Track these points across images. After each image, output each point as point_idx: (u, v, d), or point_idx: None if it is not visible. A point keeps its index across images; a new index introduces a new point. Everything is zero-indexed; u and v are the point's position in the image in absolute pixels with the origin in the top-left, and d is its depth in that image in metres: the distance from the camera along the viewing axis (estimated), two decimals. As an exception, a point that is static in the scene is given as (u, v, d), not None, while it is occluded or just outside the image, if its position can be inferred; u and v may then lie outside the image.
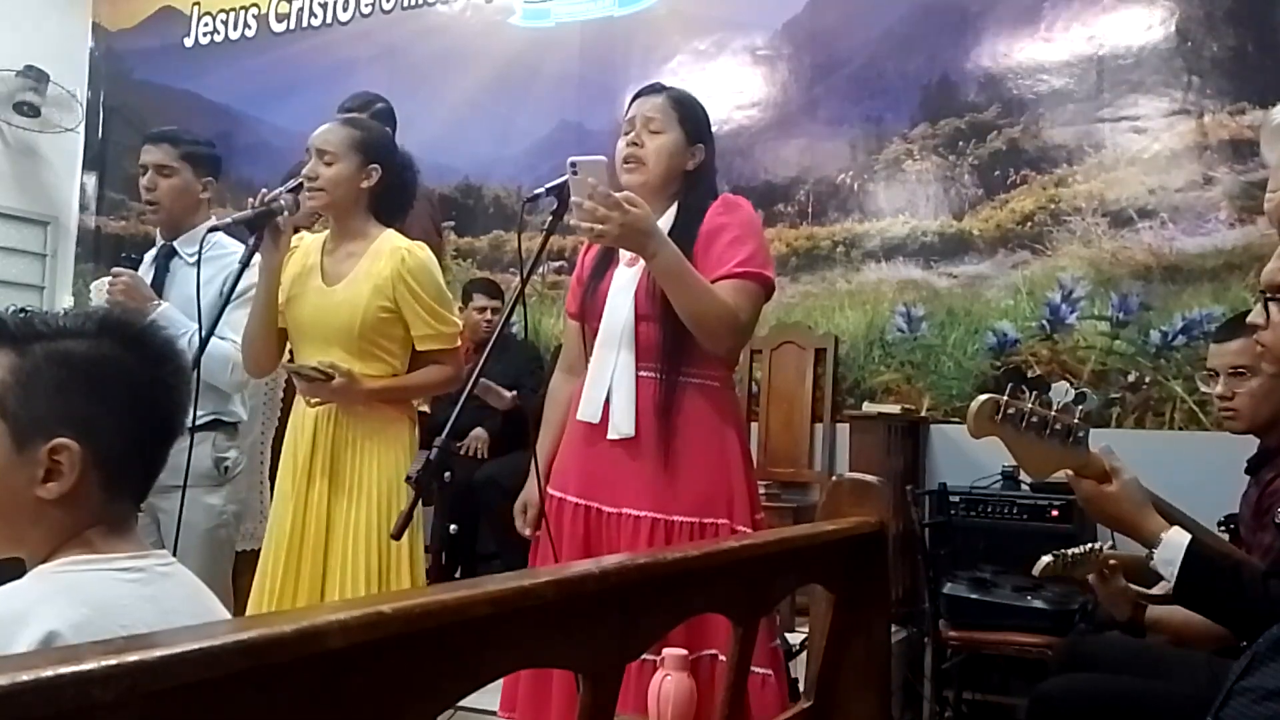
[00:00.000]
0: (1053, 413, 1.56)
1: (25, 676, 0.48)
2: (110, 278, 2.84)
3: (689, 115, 2.23)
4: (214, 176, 3.02)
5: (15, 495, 1.13)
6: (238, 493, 2.86)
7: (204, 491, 2.62)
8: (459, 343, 2.59)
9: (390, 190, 2.57)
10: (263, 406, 3.19)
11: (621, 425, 2.10)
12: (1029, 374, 4.03)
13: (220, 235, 2.87)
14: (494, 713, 2.17)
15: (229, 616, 1.27)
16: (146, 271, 2.95)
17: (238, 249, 2.85)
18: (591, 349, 2.21)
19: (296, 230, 2.64)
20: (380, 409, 2.49)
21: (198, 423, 2.54)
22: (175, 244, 2.94)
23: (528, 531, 2.23)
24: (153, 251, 3.01)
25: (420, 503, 1.93)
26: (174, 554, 1.31)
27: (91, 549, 1.15)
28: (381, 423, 2.48)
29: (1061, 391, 3.84)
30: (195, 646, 0.55)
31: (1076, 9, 4.10)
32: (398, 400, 2.54)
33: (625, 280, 2.17)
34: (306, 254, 2.58)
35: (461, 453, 4.12)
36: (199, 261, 2.51)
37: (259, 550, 3.12)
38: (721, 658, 1.97)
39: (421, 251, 2.54)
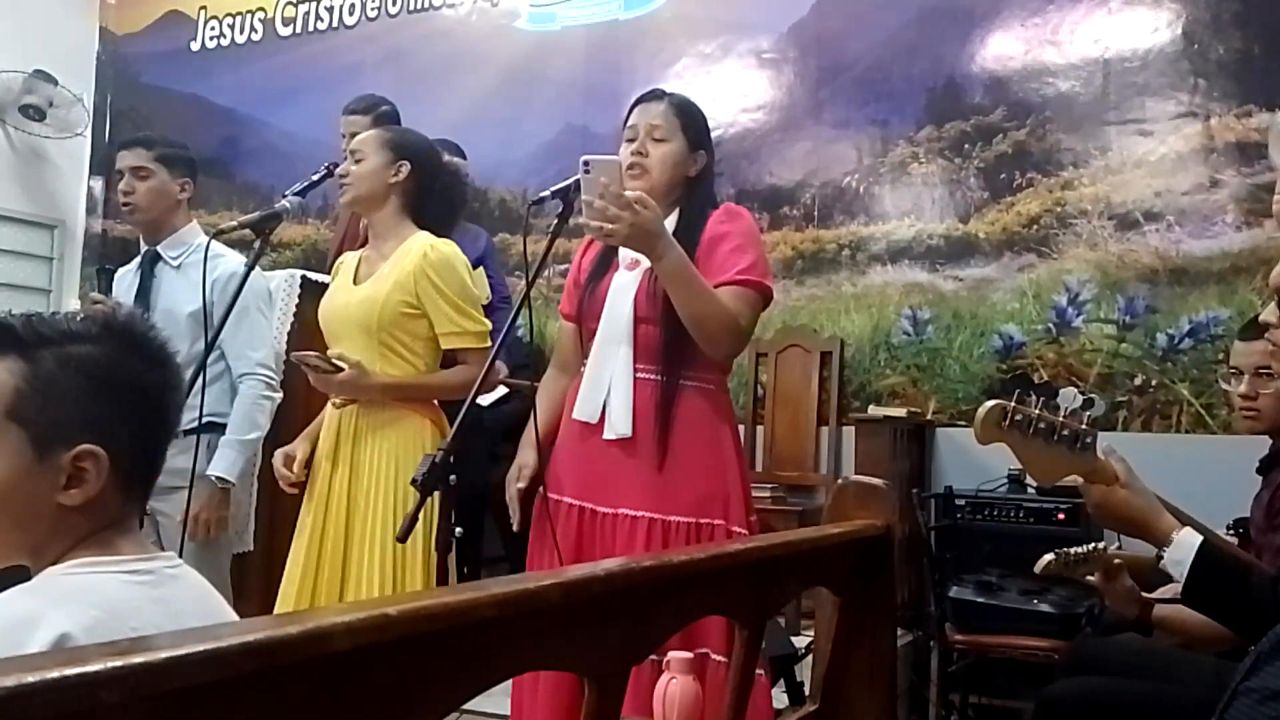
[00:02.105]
0: (1060, 418, 1.55)
1: (31, 678, 0.48)
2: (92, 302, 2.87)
3: (691, 123, 2.26)
4: (190, 178, 3.04)
5: (36, 502, 1.13)
6: (234, 494, 2.87)
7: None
8: (488, 343, 2.52)
9: (427, 193, 2.56)
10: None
11: (619, 425, 2.12)
12: (1035, 377, 4.02)
13: (205, 239, 2.90)
14: (499, 715, 2.17)
15: (236, 618, 1.27)
16: (131, 278, 2.97)
17: (227, 253, 2.90)
18: (588, 349, 2.22)
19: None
20: (396, 407, 2.46)
21: (194, 425, 2.57)
22: (159, 248, 2.96)
23: (520, 485, 2.22)
24: (137, 258, 3.03)
25: (441, 504, 1.94)
26: (180, 556, 1.32)
27: (100, 551, 1.15)
28: (395, 420, 2.46)
29: (1069, 397, 3.84)
30: (201, 648, 0.55)
31: (1083, 12, 4.10)
32: (417, 399, 2.50)
33: (625, 282, 2.19)
34: (351, 264, 2.60)
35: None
36: (205, 264, 2.52)
37: (251, 553, 3.15)
38: (714, 656, 1.97)
39: (445, 247, 2.51)
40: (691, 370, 2.15)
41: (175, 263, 2.94)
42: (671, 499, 2.10)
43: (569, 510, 2.16)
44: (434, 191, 2.58)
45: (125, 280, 3.01)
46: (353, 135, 2.90)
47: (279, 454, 2.56)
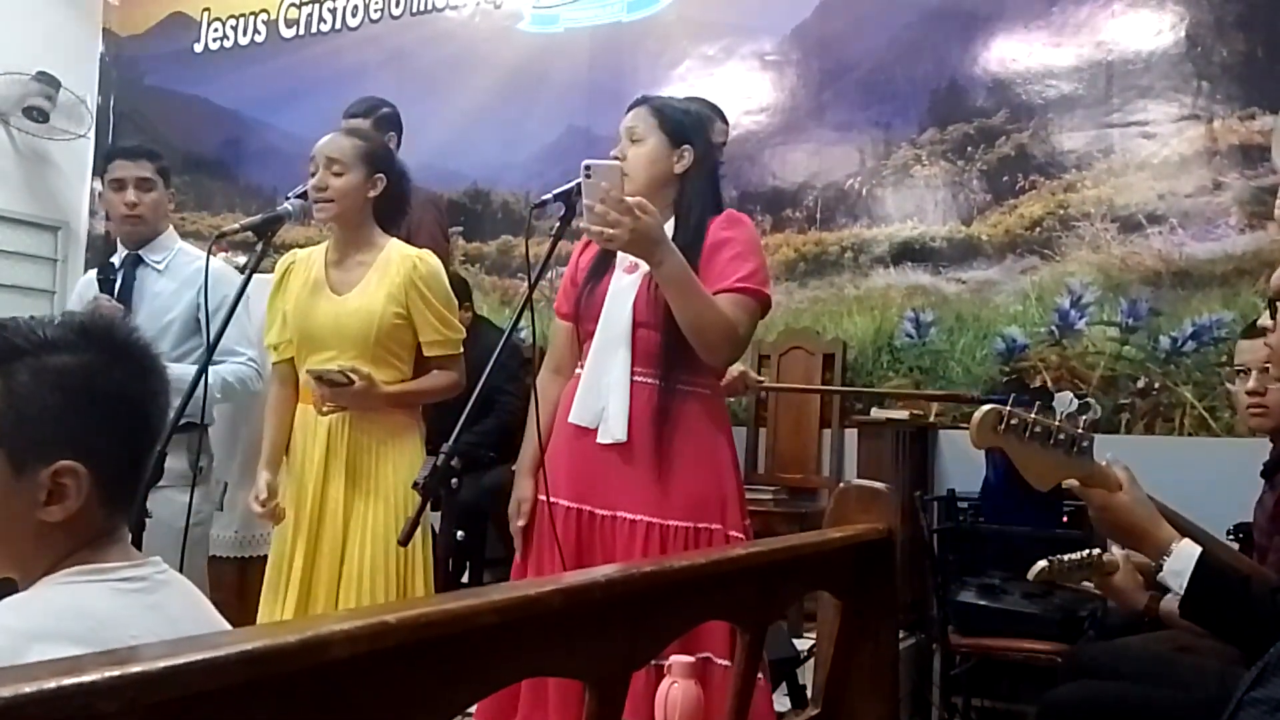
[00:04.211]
0: (1056, 422, 1.55)
1: (29, 688, 0.48)
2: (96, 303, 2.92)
3: (668, 118, 2.23)
4: (172, 188, 3.17)
5: (16, 520, 1.11)
6: (210, 493, 2.90)
7: (180, 491, 2.61)
8: (462, 349, 2.64)
9: (391, 199, 2.61)
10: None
11: (615, 430, 2.12)
12: (1037, 380, 4.02)
13: (185, 244, 3.09)
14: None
15: (224, 622, 1.25)
16: (110, 280, 3.01)
17: (203, 255, 2.93)
18: (584, 351, 2.22)
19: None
20: (392, 414, 2.53)
21: (177, 426, 2.60)
22: (142, 253, 3.03)
23: (520, 523, 2.23)
24: (115, 260, 3.08)
25: (443, 507, 1.94)
26: (182, 556, 1.31)
27: (90, 561, 1.13)
28: (394, 427, 2.53)
29: (1065, 401, 3.81)
30: (199, 657, 0.54)
31: (1086, 14, 4.09)
32: (409, 405, 2.59)
33: (624, 286, 2.18)
34: (309, 267, 2.61)
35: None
36: (206, 273, 2.54)
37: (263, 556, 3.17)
38: (717, 661, 1.97)
39: (432, 259, 2.60)
40: (689, 375, 2.15)
41: (160, 267, 3.01)
42: (669, 503, 2.10)
43: (566, 513, 2.16)
44: (397, 197, 2.63)
45: (93, 287, 3.05)
46: None
47: (253, 501, 2.54)
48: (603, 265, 2.25)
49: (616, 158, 2.19)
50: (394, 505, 2.45)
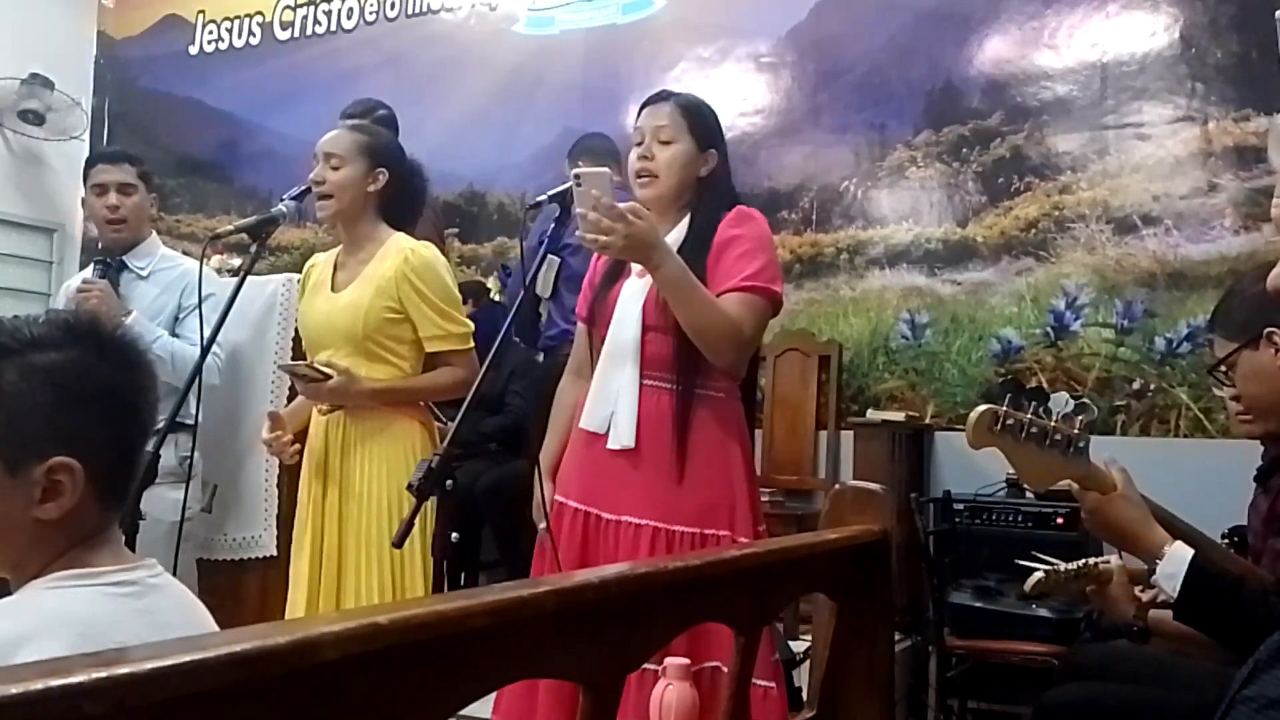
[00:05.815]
0: (1052, 423, 1.55)
1: (15, 690, 0.48)
2: (81, 286, 2.97)
3: (698, 121, 2.21)
4: (155, 193, 3.19)
5: (11, 520, 1.10)
6: (195, 490, 2.92)
7: (170, 487, 2.60)
8: (471, 344, 2.54)
9: (399, 195, 2.56)
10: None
11: (623, 436, 2.09)
12: (1033, 381, 4.02)
13: (166, 249, 3.14)
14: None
15: (216, 626, 1.24)
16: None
17: (189, 264, 3.08)
18: (598, 356, 2.20)
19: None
20: (385, 411, 2.45)
21: (165, 423, 2.61)
22: (126, 259, 3.05)
23: (543, 525, 2.21)
24: (96, 266, 3.09)
25: (437, 509, 1.93)
26: (176, 558, 1.31)
27: (82, 563, 1.13)
28: (385, 424, 2.44)
29: (1061, 402, 3.83)
30: (186, 659, 0.54)
31: (1080, 16, 4.10)
32: (406, 402, 2.50)
33: (634, 290, 2.16)
34: (321, 269, 2.59)
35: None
36: (200, 278, 2.56)
37: (268, 557, 3.16)
38: (724, 669, 1.95)
39: (426, 250, 2.51)
40: (701, 379, 2.11)
41: (144, 273, 3.04)
42: (676, 509, 2.07)
43: (574, 515, 2.15)
44: (406, 194, 2.58)
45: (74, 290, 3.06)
46: None
47: (265, 424, 2.54)
48: (617, 270, 2.22)
49: (644, 156, 2.18)
50: (387, 506, 2.39)
